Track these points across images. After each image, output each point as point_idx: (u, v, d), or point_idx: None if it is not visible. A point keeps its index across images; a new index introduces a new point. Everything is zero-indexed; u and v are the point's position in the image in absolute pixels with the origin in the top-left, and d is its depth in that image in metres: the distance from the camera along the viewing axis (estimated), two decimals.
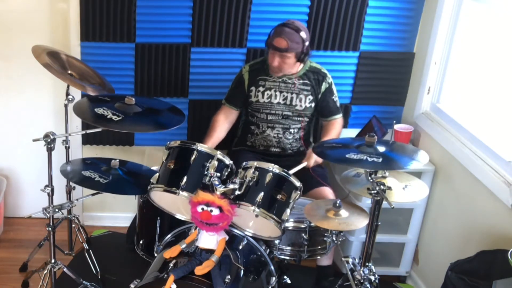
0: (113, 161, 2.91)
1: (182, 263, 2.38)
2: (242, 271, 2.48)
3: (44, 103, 3.57)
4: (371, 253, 2.58)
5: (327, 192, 3.08)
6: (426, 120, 3.34)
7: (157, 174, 2.59)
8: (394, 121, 3.27)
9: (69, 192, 3.14)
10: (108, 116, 2.62)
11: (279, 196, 2.47)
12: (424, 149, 2.80)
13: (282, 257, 2.71)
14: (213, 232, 2.40)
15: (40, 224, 3.20)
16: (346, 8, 3.37)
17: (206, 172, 2.50)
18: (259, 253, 2.61)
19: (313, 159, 3.04)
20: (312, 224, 2.62)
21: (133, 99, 2.71)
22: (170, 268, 2.35)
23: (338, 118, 3.29)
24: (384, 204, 2.43)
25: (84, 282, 2.98)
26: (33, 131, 2.80)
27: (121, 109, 2.68)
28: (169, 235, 2.70)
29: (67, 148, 3.06)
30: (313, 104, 3.21)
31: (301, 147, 3.28)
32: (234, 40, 3.40)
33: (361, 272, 2.57)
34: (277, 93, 3.18)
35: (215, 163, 2.53)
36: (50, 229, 2.82)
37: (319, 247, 2.72)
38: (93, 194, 3.00)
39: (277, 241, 2.65)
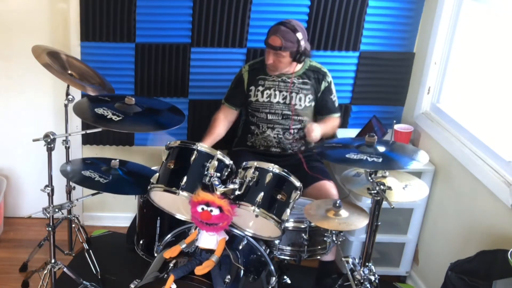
0: (113, 161, 2.91)
1: (182, 263, 2.38)
2: (242, 271, 2.48)
3: (44, 103, 3.57)
4: (371, 253, 2.58)
5: (329, 186, 3.07)
6: (426, 120, 3.34)
7: (157, 174, 2.59)
8: (394, 121, 3.27)
9: (69, 192, 3.14)
10: (108, 116, 2.62)
11: (279, 196, 2.47)
12: (424, 149, 2.80)
13: (282, 257, 2.71)
14: (213, 232, 2.40)
15: (40, 224, 3.20)
16: (346, 8, 3.37)
17: (206, 172, 2.50)
18: (259, 253, 2.61)
19: (314, 133, 3.02)
20: (312, 224, 2.62)
21: (133, 99, 2.71)
22: (170, 268, 2.35)
23: (335, 117, 3.28)
24: (384, 204, 2.43)
25: (84, 282, 2.98)
26: (33, 131, 2.79)
27: (121, 109, 2.68)
28: (169, 235, 2.70)
29: (67, 148, 3.06)
30: (313, 104, 3.21)
31: (301, 147, 3.28)
32: (234, 40, 3.40)
33: (361, 272, 2.57)
34: (277, 92, 3.18)
35: (215, 163, 2.53)
36: (50, 229, 2.82)
37: (319, 247, 2.72)
38: (93, 194, 3.00)
39: (277, 241, 2.65)
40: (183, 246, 2.43)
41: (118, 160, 2.93)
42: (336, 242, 2.65)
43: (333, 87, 3.24)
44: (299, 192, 2.52)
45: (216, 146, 3.16)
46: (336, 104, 3.28)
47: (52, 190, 2.78)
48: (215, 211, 2.34)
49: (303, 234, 2.65)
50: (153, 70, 3.44)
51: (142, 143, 3.64)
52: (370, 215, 2.53)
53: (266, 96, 3.19)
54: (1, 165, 3.69)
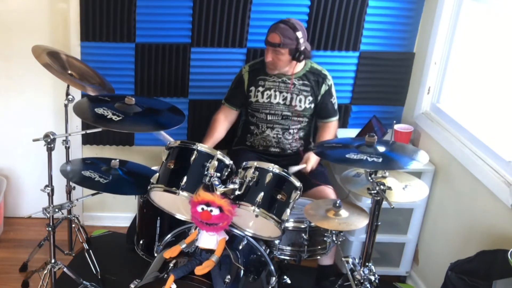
0: (113, 161, 2.92)
1: (182, 263, 2.38)
2: (242, 271, 2.48)
3: (44, 103, 3.57)
4: (371, 253, 2.58)
5: (328, 191, 3.08)
6: (426, 120, 3.34)
7: (157, 174, 2.59)
8: (394, 121, 3.27)
9: (69, 192, 3.14)
10: (108, 116, 2.61)
11: (279, 196, 2.47)
12: (424, 149, 2.80)
13: (282, 257, 2.71)
14: (213, 232, 2.40)
15: (40, 224, 3.20)
16: (346, 8, 3.37)
17: (206, 172, 2.50)
18: (259, 253, 2.61)
19: (311, 162, 3.04)
20: (312, 224, 2.62)
21: (133, 99, 2.71)
22: (170, 268, 2.35)
23: (334, 121, 3.29)
24: (384, 204, 2.43)
25: (84, 282, 2.98)
26: (33, 131, 2.79)
27: (121, 109, 2.68)
28: (169, 235, 2.70)
29: (67, 148, 3.06)
30: (312, 105, 3.21)
31: (300, 147, 3.28)
32: (234, 40, 3.40)
33: (361, 272, 2.57)
34: (277, 93, 3.18)
35: (215, 163, 2.53)
36: (50, 229, 2.82)
37: (319, 247, 2.72)
38: (93, 194, 3.00)
39: (277, 241, 2.65)
40: (183, 246, 2.43)
41: (118, 160, 2.93)
42: (336, 242, 2.65)
43: (333, 90, 3.24)
44: (299, 192, 2.52)
45: (216, 146, 3.17)
46: (336, 107, 3.29)
47: (52, 190, 2.78)
48: (215, 211, 2.34)
49: (303, 234, 2.65)
50: (153, 70, 3.44)
51: (142, 143, 3.64)
52: (370, 215, 2.53)
53: (266, 96, 3.19)
54: (1, 165, 3.69)
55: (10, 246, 3.54)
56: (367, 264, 2.59)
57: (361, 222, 2.54)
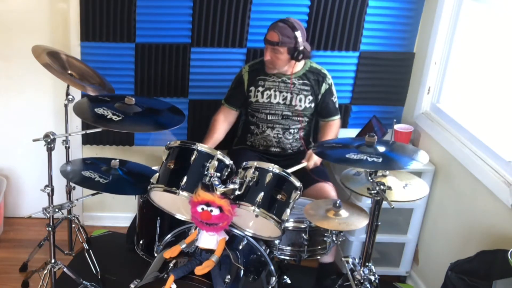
0: (113, 161, 2.92)
1: (182, 263, 2.38)
2: (242, 271, 2.48)
3: (44, 103, 3.57)
4: (371, 253, 2.58)
5: (328, 188, 3.08)
6: (426, 120, 3.34)
7: (157, 174, 2.59)
8: (394, 121, 3.27)
9: (69, 192, 3.14)
10: (108, 116, 2.62)
11: (279, 196, 2.47)
12: (424, 149, 2.80)
13: (282, 257, 2.71)
14: (213, 232, 2.40)
15: (40, 224, 3.20)
16: (346, 8, 3.37)
17: (206, 172, 2.50)
18: (259, 253, 2.61)
19: (313, 160, 3.04)
20: (312, 224, 2.62)
21: (133, 99, 2.71)
22: (170, 268, 2.35)
23: (336, 119, 3.29)
24: (384, 204, 2.43)
25: (84, 282, 2.98)
26: (33, 131, 2.79)
27: (121, 109, 2.68)
28: (169, 235, 2.70)
29: (67, 148, 3.06)
30: (312, 105, 3.21)
31: (301, 147, 3.28)
32: (234, 40, 3.40)
33: (361, 272, 2.57)
34: (277, 93, 3.18)
35: (215, 163, 2.53)
36: (50, 229, 2.82)
37: (319, 247, 2.72)
38: (93, 194, 3.00)
39: (277, 241, 2.65)
40: (183, 246, 2.43)
41: (118, 160, 2.93)
42: (336, 242, 2.65)
43: (333, 89, 3.24)
44: (299, 192, 2.52)
45: (216, 146, 3.17)
46: (337, 106, 3.28)
47: (52, 190, 2.78)
48: (215, 211, 2.34)
49: (303, 234, 2.65)
50: (153, 70, 3.44)
51: (142, 143, 3.64)
52: (370, 215, 2.53)
53: (266, 96, 3.19)
54: (1, 165, 3.69)
55: (10, 246, 3.54)
56: (367, 264, 2.59)
57: (361, 222, 2.54)
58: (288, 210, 2.48)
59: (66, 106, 3.00)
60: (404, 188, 2.56)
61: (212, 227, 2.38)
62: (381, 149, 2.46)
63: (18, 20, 3.37)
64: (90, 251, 3.13)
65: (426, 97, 3.37)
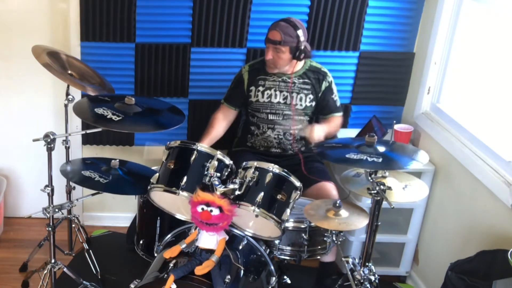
0: (113, 161, 2.91)
1: (182, 263, 2.38)
2: (242, 271, 2.48)
3: (44, 103, 3.57)
4: (371, 253, 2.58)
5: (329, 187, 3.07)
6: (426, 120, 3.34)
7: (157, 174, 2.59)
8: (394, 121, 3.27)
9: (69, 192, 3.14)
10: (108, 116, 2.62)
11: (279, 196, 2.47)
12: (424, 149, 2.80)
13: (282, 257, 2.71)
14: (213, 232, 2.40)
15: (40, 224, 3.20)
16: (346, 8, 3.37)
17: (206, 172, 2.50)
18: (259, 253, 2.61)
19: (315, 133, 3.01)
20: (312, 224, 2.62)
21: (133, 99, 2.71)
22: (170, 268, 2.35)
23: (337, 116, 3.28)
24: (384, 204, 2.43)
25: (84, 282, 2.98)
26: (33, 131, 2.79)
27: (121, 109, 2.68)
28: (169, 235, 2.70)
29: (67, 148, 3.06)
30: (313, 103, 3.21)
31: (302, 148, 3.28)
32: (234, 40, 3.40)
33: (361, 272, 2.57)
34: (277, 92, 3.18)
35: (215, 163, 2.53)
36: (50, 229, 2.82)
37: (319, 247, 2.72)
38: (93, 194, 3.00)
39: (277, 241, 2.65)
40: (183, 246, 2.43)
41: (118, 160, 2.93)
42: (336, 242, 2.65)
43: (334, 87, 3.24)
44: (299, 192, 2.52)
45: (216, 146, 3.16)
46: (338, 104, 3.28)
47: (52, 190, 2.78)
48: (215, 211, 2.34)
49: (303, 234, 2.65)
50: (153, 70, 3.43)
51: (142, 143, 3.64)
52: (370, 215, 2.53)
53: (266, 96, 3.19)
54: (1, 165, 3.69)
55: (10, 246, 3.54)
56: (367, 264, 2.59)
57: (361, 222, 2.54)
58: (288, 210, 2.48)
59: (66, 106, 3.00)
60: (403, 189, 2.56)
61: (212, 227, 2.38)
62: (381, 149, 2.46)
63: (18, 20, 3.37)
64: (90, 251, 3.13)
65: (426, 97, 3.37)
